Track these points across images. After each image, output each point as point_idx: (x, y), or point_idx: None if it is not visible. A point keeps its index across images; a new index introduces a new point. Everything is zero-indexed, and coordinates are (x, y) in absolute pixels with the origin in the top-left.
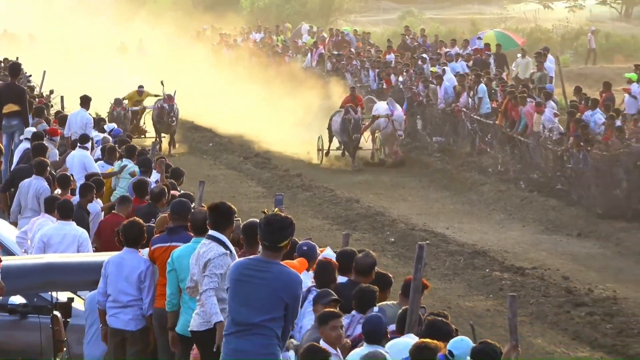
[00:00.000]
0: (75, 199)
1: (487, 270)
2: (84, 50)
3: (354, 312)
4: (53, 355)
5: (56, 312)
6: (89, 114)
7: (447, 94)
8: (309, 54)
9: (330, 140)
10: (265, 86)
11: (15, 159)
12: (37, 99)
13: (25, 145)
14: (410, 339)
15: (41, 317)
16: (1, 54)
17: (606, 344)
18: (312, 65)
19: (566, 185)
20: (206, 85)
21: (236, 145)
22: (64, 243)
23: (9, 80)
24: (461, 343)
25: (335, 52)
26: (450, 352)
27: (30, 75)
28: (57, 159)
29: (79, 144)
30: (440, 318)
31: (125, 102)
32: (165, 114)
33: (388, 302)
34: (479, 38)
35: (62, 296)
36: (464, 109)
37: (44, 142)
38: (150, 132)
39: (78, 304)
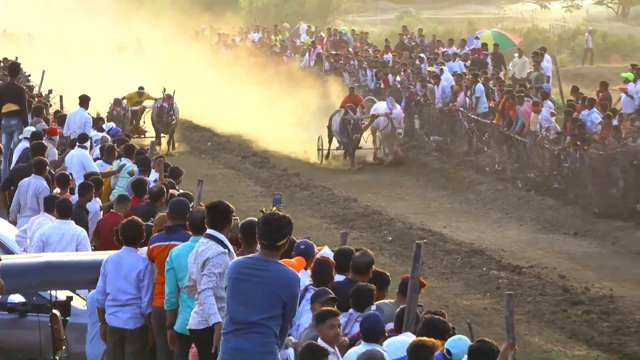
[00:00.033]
0: (75, 198)
1: (485, 269)
2: (83, 50)
3: (351, 310)
4: (52, 353)
5: (55, 311)
6: (88, 114)
7: (445, 94)
8: (307, 54)
9: (330, 140)
10: (263, 86)
11: (15, 158)
12: (36, 99)
13: (25, 144)
14: (407, 338)
15: (40, 315)
16: (1, 54)
17: (603, 342)
18: (310, 65)
19: (563, 184)
20: (204, 85)
21: (234, 144)
22: (62, 242)
23: (8, 80)
24: (459, 342)
25: (333, 52)
26: (448, 350)
27: (30, 75)
28: (56, 158)
29: (77, 143)
30: (437, 316)
31: (125, 101)
32: (165, 113)
33: (385, 301)
34: (477, 38)
35: (61, 295)
36: (462, 109)
37: (43, 141)
38: (150, 132)
39: (77, 303)
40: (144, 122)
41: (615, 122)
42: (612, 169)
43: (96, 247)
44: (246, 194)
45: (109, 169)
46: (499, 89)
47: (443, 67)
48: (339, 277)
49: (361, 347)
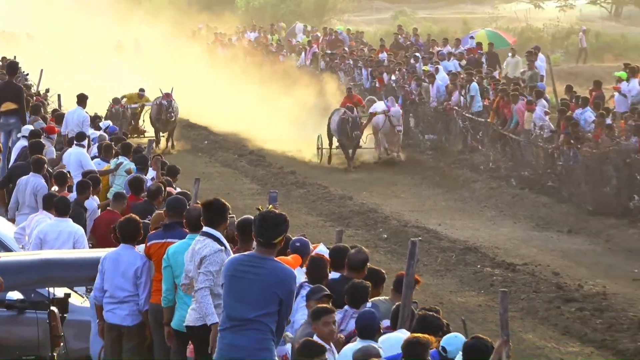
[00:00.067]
0: (72, 196)
1: (479, 266)
2: (83, 50)
3: (346, 307)
4: (50, 350)
5: (53, 308)
6: (86, 112)
7: (440, 93)
8: (303, 53)
9: (330, 140)
10: (259, 85)
11: (13, 156)
12: (34, 97)
13: (23, 142)
14: (402, 334)
15: (38, 312)
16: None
17: (596, 339)
18: (306, 64)
19: (557, 182)
20: (201, 84)
21: (231, 143)
22: (59, 239)
23: (6, 79)
24: (455, 340)
25: (329, 51)
26: (443, 348)
27: (28, 74)
28: (54, 157)
29: (75, 142)
30: (431, 313)
31: (124, 100)
32: (164, 111)
33: (380, 298)
34: (471, 37)
35: (59, 292)
36: (456, 107)
37: (41, 139)
38: (149, 132)
39: (75, 300)
40: (143, 122)
41: (608, 120)
42: (605, 167)
43: (93, 245)
44: (242, 191)
45: (106, 167)
46: (494, 88)
47: (438, 66)
48: (334, 274)
49: (357, 344)
